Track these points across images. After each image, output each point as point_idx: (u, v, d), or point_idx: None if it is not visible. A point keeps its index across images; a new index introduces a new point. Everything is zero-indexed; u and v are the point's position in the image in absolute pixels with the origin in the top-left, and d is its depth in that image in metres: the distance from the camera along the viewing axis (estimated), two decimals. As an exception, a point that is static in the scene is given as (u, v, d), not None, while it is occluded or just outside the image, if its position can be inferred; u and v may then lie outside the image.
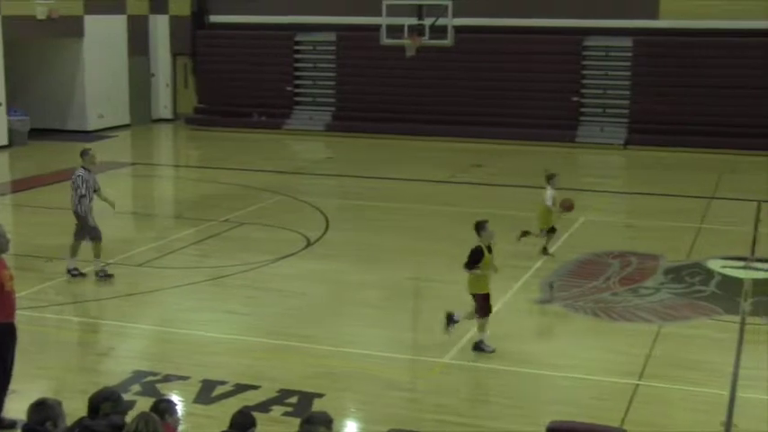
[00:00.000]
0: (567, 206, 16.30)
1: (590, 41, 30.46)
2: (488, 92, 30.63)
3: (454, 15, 26.96)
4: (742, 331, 12.75)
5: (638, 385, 10.89)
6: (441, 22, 26.85)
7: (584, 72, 30.56)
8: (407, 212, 20.19)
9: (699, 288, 14.66)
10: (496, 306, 13.20)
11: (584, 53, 30.55)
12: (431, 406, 10.30)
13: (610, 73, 30.43)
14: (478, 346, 11.81)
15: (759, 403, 10.44)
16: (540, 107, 30.21)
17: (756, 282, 15.04)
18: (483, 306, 11.84)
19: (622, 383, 10.94)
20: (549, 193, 16.30)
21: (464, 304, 12.02)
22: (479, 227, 11.84)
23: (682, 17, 29.26)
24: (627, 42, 29.96)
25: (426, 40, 26.91)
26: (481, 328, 11.90)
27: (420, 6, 27.00)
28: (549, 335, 13.26)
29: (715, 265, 15.90)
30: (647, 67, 29.65)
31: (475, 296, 11.86)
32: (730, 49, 28.99)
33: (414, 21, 26.87)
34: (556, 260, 16.13)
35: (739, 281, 15.09)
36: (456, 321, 11.98)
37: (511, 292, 14.28)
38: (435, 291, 14.45)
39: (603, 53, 30.51)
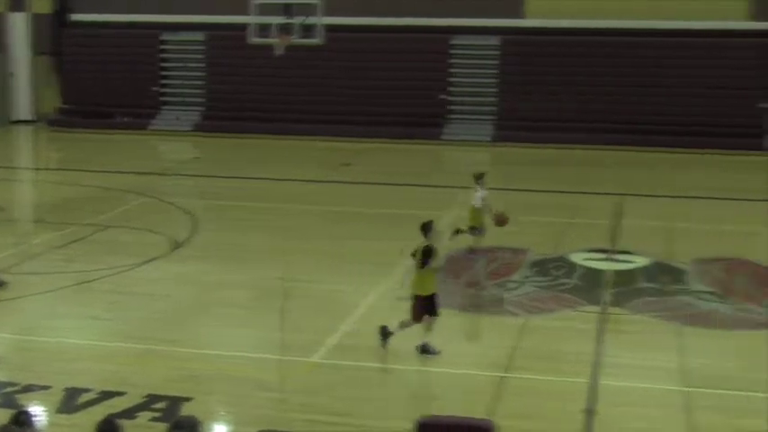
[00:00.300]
0: (500, 221, 16.24)
1: (457, 40, 30.92)
2: (357, 90, 30.77)
3: (324, 14, 26.97)
4: (603, 321, 13.13)
5: (505, 377, 11.08)
6: (310, 20, 26.83)
7: (452, 70, 31.02)
8: (276, 212, 20.07)
9: (563, 281, 15.01)
10: (365, 304, 13.28)
11: (452, 51, 31.00)
12: (300, 406, 10.25)
13: (477, 71, 30.97)
14: (425, 349, 11.64)
15: (619, 390, 10.76)
16: (408, 105, 30.50)
17: (617, 273, 15.52)
18: (421, 309, 11.63)
19: (491, 376, 11.10)
20: (479, 193, 16.40)
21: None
22: (426, 228, 11.71)
23: (547, 16, 29.99)
24: (494, 41, 30.53)
25: (295, 39, 26.86)
26: (428, 329, 11.75)
27: (288, 5, 26.90)
28: (416, 331, 13.29)
29: (578, 257, 16.32)
30: (514, 66, 30.26)
31: (417, 298, 11.66)
32: (594, 48, 29.86)
33: (282, 20, 26.77)
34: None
35: (600, 272, 15.53)
36: (391, 334, 11.79)
37: (379, 290, 14.32)
38: (304, 290, 14.37)
39: (471, 52, 31.02)
